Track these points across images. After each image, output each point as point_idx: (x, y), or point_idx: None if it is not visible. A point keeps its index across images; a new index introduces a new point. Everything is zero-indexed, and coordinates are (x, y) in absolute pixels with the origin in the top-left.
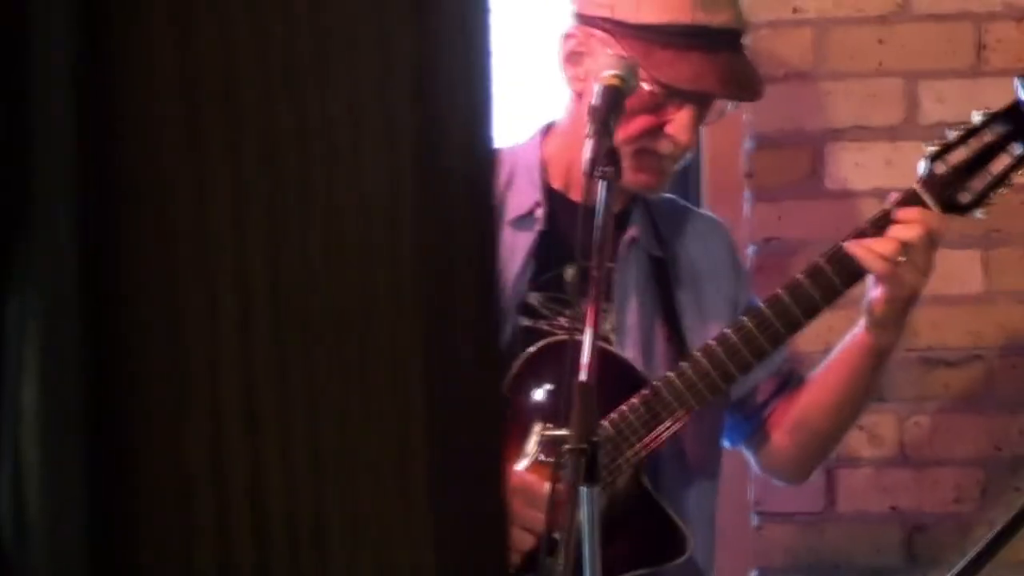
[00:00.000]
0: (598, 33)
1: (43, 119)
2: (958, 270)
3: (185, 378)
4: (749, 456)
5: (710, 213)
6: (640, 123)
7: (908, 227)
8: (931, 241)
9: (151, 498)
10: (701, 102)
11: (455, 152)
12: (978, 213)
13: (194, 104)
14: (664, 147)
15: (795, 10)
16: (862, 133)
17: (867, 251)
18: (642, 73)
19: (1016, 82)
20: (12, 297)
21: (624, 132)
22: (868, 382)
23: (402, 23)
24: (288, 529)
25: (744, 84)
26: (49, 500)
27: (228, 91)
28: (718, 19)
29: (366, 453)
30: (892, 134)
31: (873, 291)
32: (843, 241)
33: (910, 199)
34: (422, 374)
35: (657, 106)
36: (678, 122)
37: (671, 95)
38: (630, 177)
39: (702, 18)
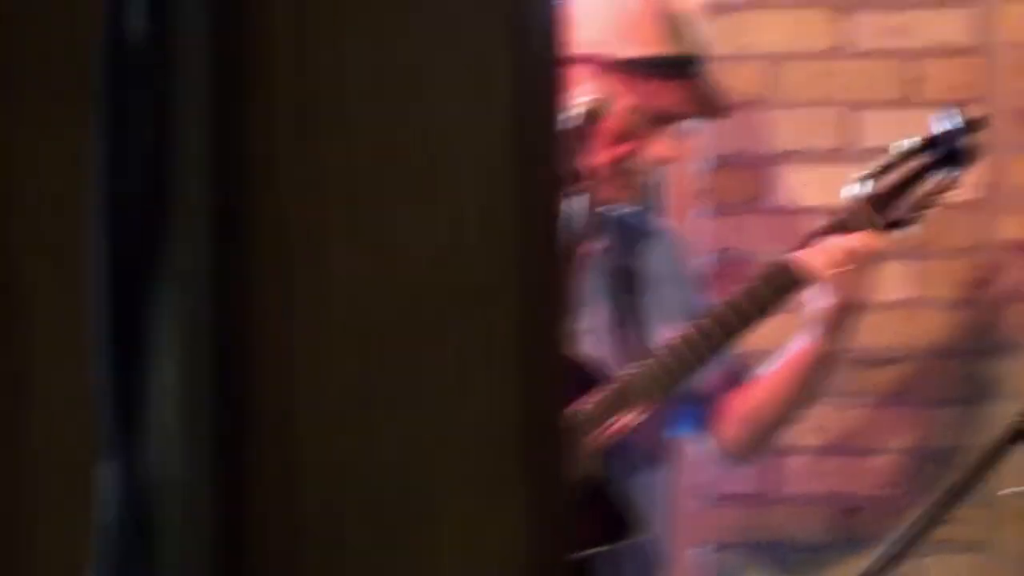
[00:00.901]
0: (585, 70)
1: (184, 144)
2: (889, 279)
3: (293, 370)
4: (701, 442)
5: (668, 225)
6: (625, 147)
7: (850, 240)
8: (870, 255)
9: (262, 472)
10: (676, 123)
11: (541, 162)
12: (909, 229)
13: (308, 134)
14: (645, 166)
15: (746, 46)
16: (804, 156)
17: (812, 260)
18: (627, 102)
19: (942, 111)
20: (158, 294)
21: (610, 155)
22: (812, 383)
23: (498, 51)
24: (389, 509)
25: (716, 105)
26: (186, 464)
27: (342, 117)
28: (686, 48)
29: (462, 434)
30: (831, 157)
31: (818, 299)
32: (792, 251)
33: (848, 216)
34: (516, 370)
35: (638, 131)
36: (663, 143)
37: (653, 120)
38: (613, 194)
39: (674, 49)
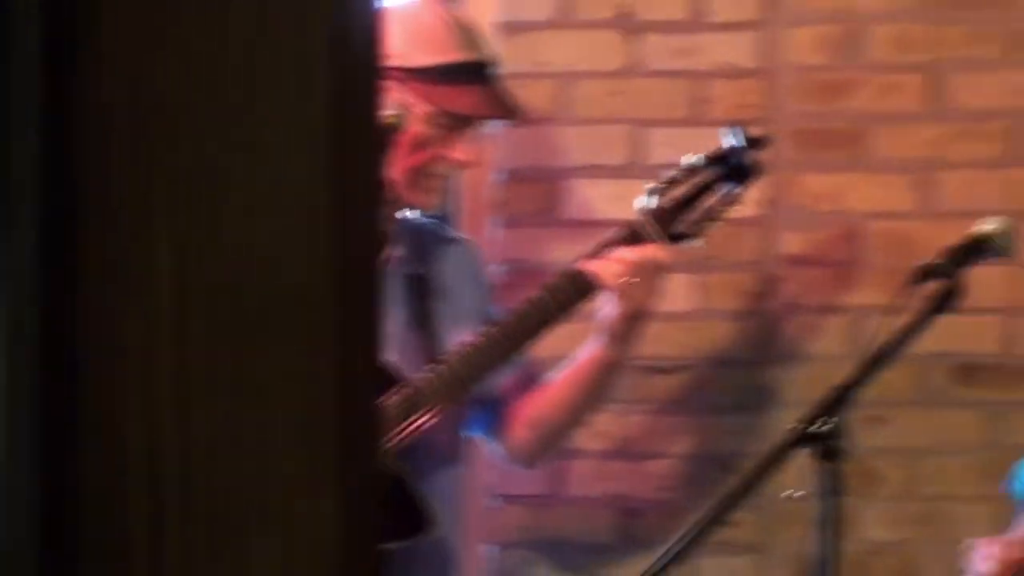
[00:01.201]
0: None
1: (17, 146)
2: (673, 291)
3: (121, 364)
4: (490, 445)
5: (463, 235)
6: (424, 154)
7: (636, 251)
8: (656, 266)
9: (92, 461)
10: (474, 127)
11: (361, 169)
12: (694, 242)
13: (136, 141)
14: (447, 169)
15: (539, 63)
16: (595, 171)
17: (601, 270)
18: (425, 109)
19: (727, 130)
20: None
21: (410, 163)
22: (599, 389)
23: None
24: (207, 486)
25: (512, 108)
26: (9, 451)
27: (169, 126)
28: (479, 54)
29: (282, 428)
30: (621, 172)
31: (605, 308)
32: (582, 261)
33: (636, 228)
34: (334, 369)
35: (438, 136)
36: (463, 146)
37: (452, 124)
38: (416, 198)
39: (468, 55)
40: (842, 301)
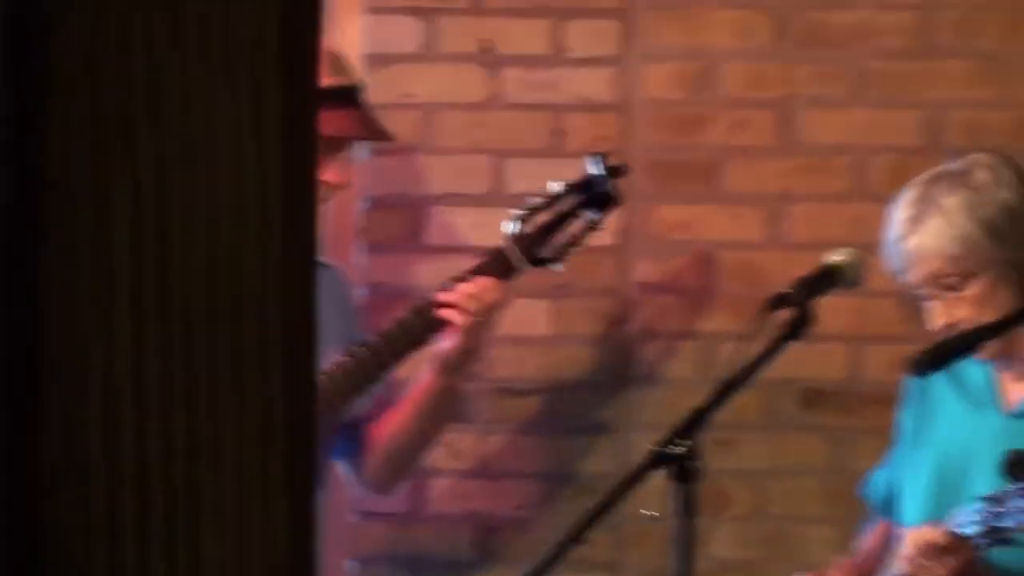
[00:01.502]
0: None
1: None
2: (532, 316)
3: (82, 364)
4: (348, 473)
5: (329, 260)
6: None
7: (477, 286)
8: (493, 301)
9: (54, 459)
10: (346, 150)
11: (304, 186)
12: (556, 267)
13: (99, 139)
14: (320, 192)
15: (405, 95)
16: (458, 199)
17: (446, 301)
18: None
19: (587, 159)
20: None
21: None
22: (436, 415)
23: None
24: (166, 493)
25: (382, 130)
26: None
27: (125, 128)
28: (347, 79)
29: (234, 439)
30: (482, 201)
31: (445, 340)
32: (436, 292)
33: (499, 255)
34: (282, 373)
35: None
36: (335, 169)
37: (324, 147)
38: None
39: (338, 80)
40: (695, 327)
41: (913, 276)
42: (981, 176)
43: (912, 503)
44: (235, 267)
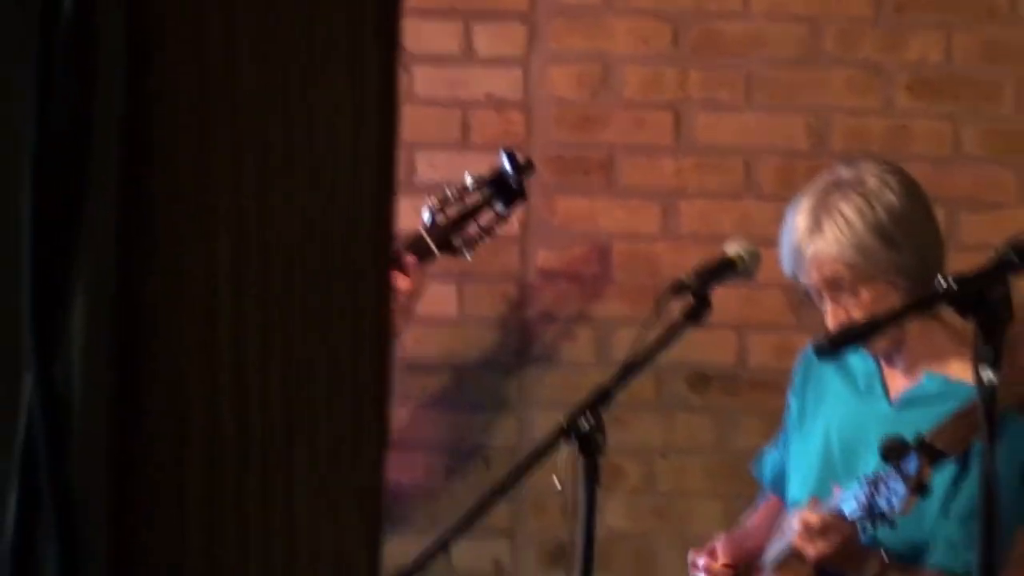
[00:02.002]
0: None
1: (99, 129)
2: (439, 298)
3: (182, 327)
4: None
5: None
6: None
7: (398, 278)
8: (412, 291)
9: (158, 414)
10: None
11: (389, 163)
12: (466, 255)
13: (203, 118)
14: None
15: None
16: None
17: None
18: None
19: (502, 153)
20: (77, 250)
21: None
22: None
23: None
24: (263, 409)
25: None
26: (86, 383)
27: (232, 108)
28: None
29: (330, 387)
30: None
31: None
32: None
33: (415, 242)
34: (373, 324)
35: None
36: None
37: None
38: None
39: None
40: (590, 312)
41: (812, 279)
42: (871, 183)
43: (800, 483)
44: (332, 232)
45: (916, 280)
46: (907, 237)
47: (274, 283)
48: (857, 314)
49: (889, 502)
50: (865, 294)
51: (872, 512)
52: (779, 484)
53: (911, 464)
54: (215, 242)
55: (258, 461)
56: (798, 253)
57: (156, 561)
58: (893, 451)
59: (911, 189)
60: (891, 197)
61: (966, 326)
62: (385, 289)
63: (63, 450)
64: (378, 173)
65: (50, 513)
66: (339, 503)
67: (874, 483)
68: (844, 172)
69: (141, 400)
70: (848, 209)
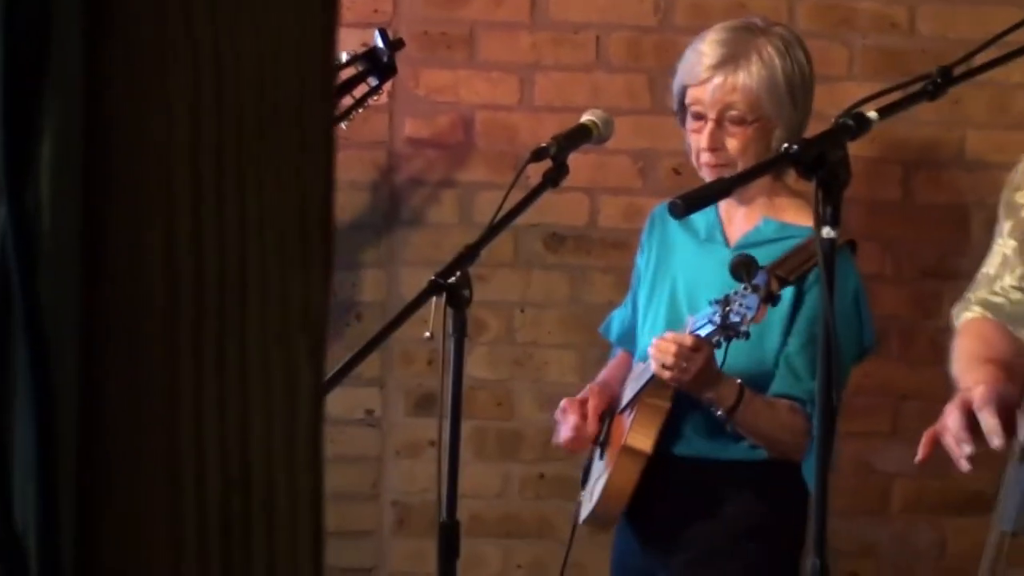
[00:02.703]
0: None
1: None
2: None
3: (143, 158)
4: None
5: None
6: None
7: None
8: None
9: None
10: None
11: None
12: (343, 124)
13: None
14: None
15: None
16: None
17: None
18: None
19: (376, 31)
20: (45, 86)
21: None
22: None
23: None
24: (220, 262)
25: None
26: (55, 214)
27: None
28: None
29: (278, 216)
30: None
31: None
32: None
33: None
34: (320, 162)
35: None
36: None
37: None
38: None
39: None
40: (454, 177)
41: (710, 99)
42: (786, 35)
43: (650, 330)
44: (280, 78)
45: (788, 133)
46: (803, 94)
47: (228, 125)
48: (731, 143)
49: (741, 315)
50: (750, 129)
51: (726, 326)
52: (627, 339)
53: (760, 277)
54: (173, 76)
55: (212, 291)
56: (706, 74)
57: (116, 374)
58: (742, 266)
59: (810, 58)
60: (801, 56)
61: (797, 181)
62: (331, 135)
63: (33, 270)
64: (322, 27)
65: (22, 325)
66: (288, 335)
67: (725, 302)
68: (757, 21)
69: (104, 227)
70: (771, 50)
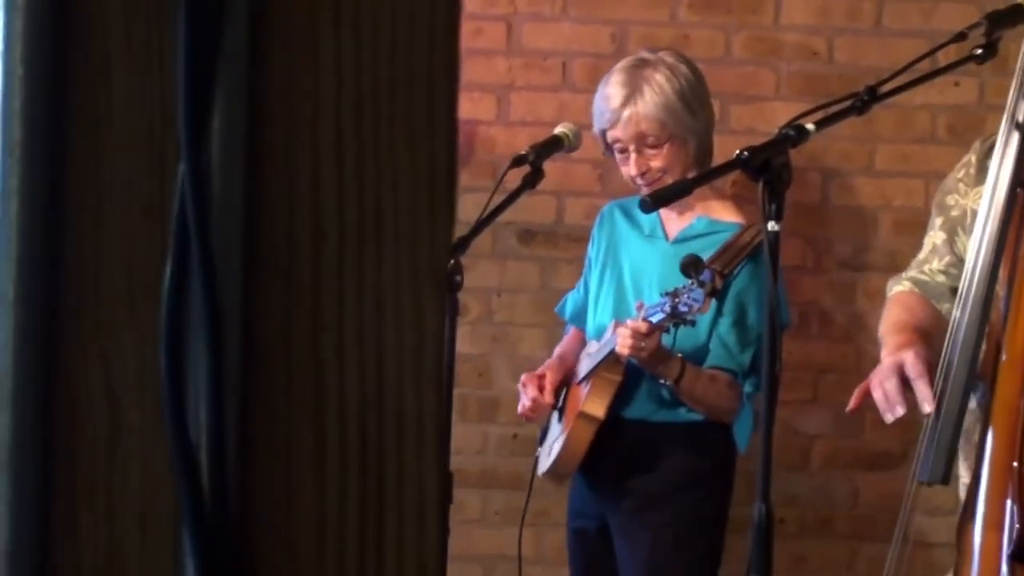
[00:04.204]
0: None
1: None
2: None
3: (296, 120)
4: None
5: None
6: None
7: None
8: None
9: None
10: None
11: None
12: None
13: None
14: None
15: None
16: None
17: None
18: None
19: None
20: (220, 68)
21: None
22: None
23: None
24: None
25: None
26: (225, 168)
27: None
28: None
29: (410, 172)
30: None
31: None
32: None
33: None
34: (446, 127)
35: None
36: None
37: None
38: None
39: None
40: None
41: (624, 135)
42: (669, 60)
43: (602, 312)
44: (412, 55)
45: (700, 142)
46: (700, 106)
47: (367, 89)
48: (655, 164)
49: (689, 306)
50: (666, 148)
51: (676, 315)
52: (579, 318)
53: (706, 275)
54: (322, 50)
55: (353, 234)
56: (614, 115)
57: (273, 304)
58: (691, 265)
59: (696, 70)
60: (687, 72)
61: (724, 183)
62: (455, 106)
63: (206, 216)
64: (447, 15)
65: (197, 265)
66: (418, 275)
67: (675, 295)
68: (645, 55)
69: (263, 179)
70: (659, 78)
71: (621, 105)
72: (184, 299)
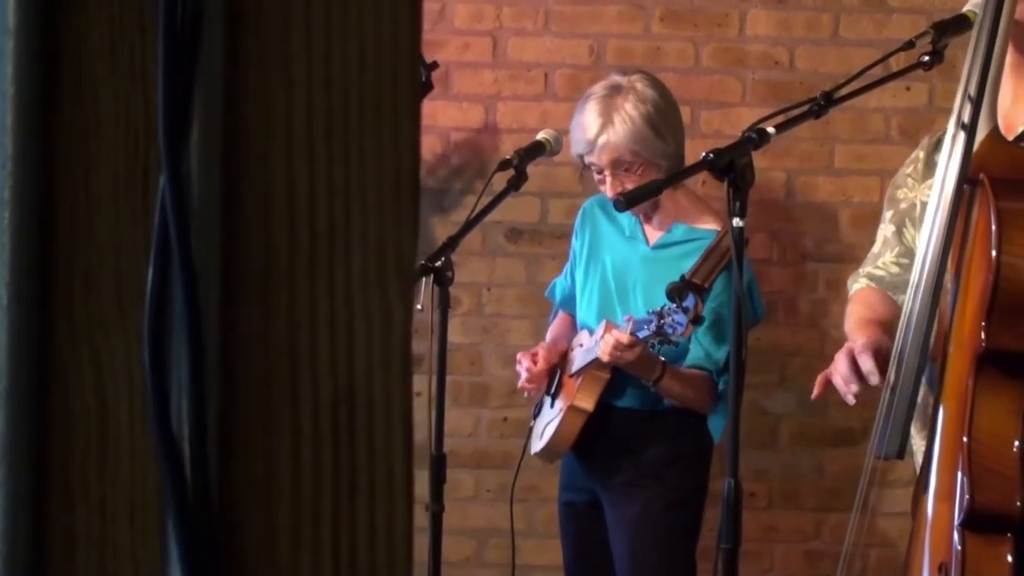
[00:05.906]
0: None
1: None
2: None
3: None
4: None
5: None
6: None
7: None
8: None
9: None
10: None
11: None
12: None
13: None
14: None
15: None
16: None
17: None
18: None
19: None
20: (197, 73)
21: None
22: None
23: None
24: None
25: None
26: (201, 175)
27: None
28: None
29: (377, 180)
30: None
31: None
32: None
33: None
34: (410, 138)
35: None
36: None
37: None
38: None
39: None
40: (433, 185)
41: (601, 161)
42: (639, 87)
43: (587, 307)
44: (376, 70)
45: (672, 161)
46: (668, 129)
47: (336, 102)
48: (630, 185)
49: (673, 328)
50: (639, 170)
51: (661, 335)
52: (568, 303)
53: (689, 301)
54: (295, 65)
55: (324, 238)
56: (590, 142)
57: (250, 305)
58: (676, 292)
59: (665, 93)
60: (655, 96)
61: (694, 184)
62: (418, 117)
63: (186, 224)
64: (409, 32)
65: (178, 269)
66: (385, 275)
67: (661, 315)
68: (617, 79)
69: (239, 188)
70: (628, 107)
71: (596, 135)
72: (167, 301)
